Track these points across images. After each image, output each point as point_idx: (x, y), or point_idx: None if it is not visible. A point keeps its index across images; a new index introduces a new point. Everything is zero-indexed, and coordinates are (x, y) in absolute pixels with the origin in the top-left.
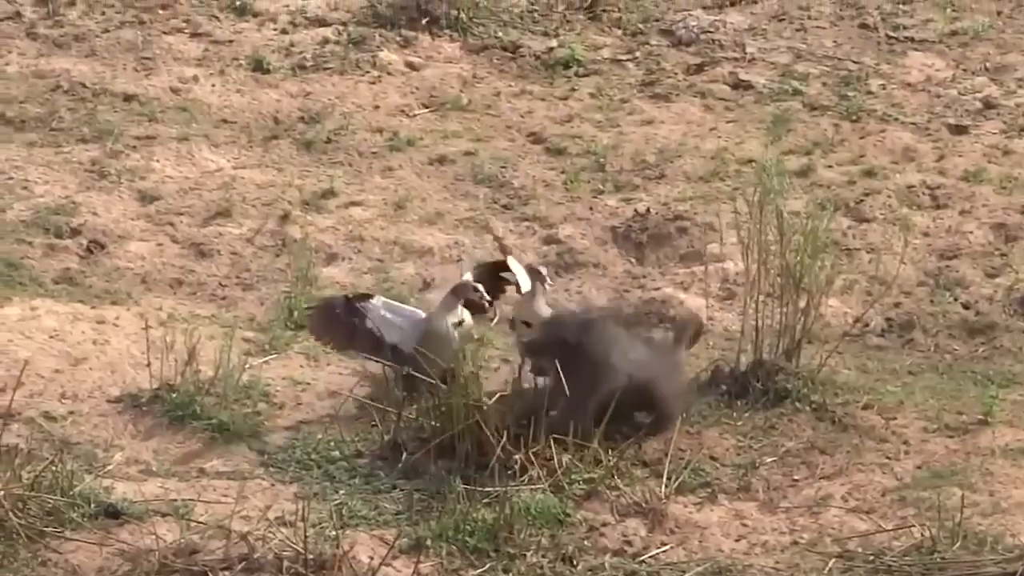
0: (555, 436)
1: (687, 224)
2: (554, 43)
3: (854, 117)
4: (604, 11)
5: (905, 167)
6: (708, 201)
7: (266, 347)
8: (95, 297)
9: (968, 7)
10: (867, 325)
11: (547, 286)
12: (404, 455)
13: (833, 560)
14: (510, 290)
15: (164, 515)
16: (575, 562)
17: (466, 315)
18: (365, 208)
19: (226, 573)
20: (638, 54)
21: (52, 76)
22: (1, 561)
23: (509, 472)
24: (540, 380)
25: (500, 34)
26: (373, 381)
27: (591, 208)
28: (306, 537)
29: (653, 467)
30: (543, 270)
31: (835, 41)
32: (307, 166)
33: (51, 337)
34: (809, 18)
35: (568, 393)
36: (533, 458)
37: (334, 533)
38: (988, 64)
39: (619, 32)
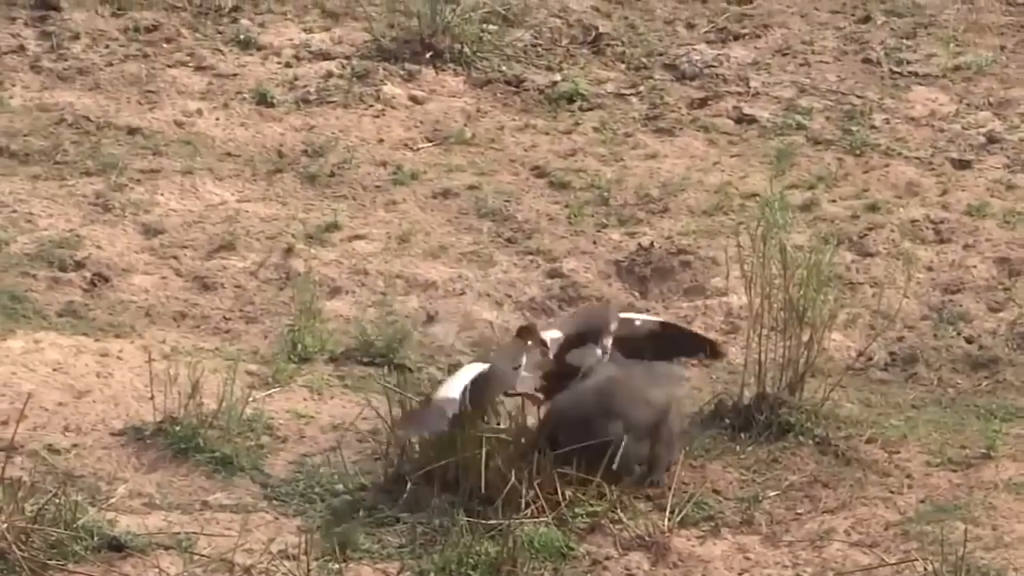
0: (558, 471)
1: (690, 258)
2: (558, 77)
3: (858, 151)
4: (608, 45)
5: (908, 201)
6: (712, 235)
7: (269, 380)
8: (99, 330)
9: (971, 42)
10: (870, 359)
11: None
12: (408, 488)
13: None
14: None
15: (167, 548)
16: None
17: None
18: (369, 241)
19: None
20: (642, 88)
21: (56, 109)
22: None
23: (512, 505)
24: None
25: (504, 68)
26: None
27: (594, 242)
28: (309, 570)
29: (656, 500)
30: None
31: (839, 76)
32: (311, 199)
33: (55, 370)
34: (813, 52)
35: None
36: (538, 491)
37: (337, 567)
38: (991, 99)
39: (623, 66)
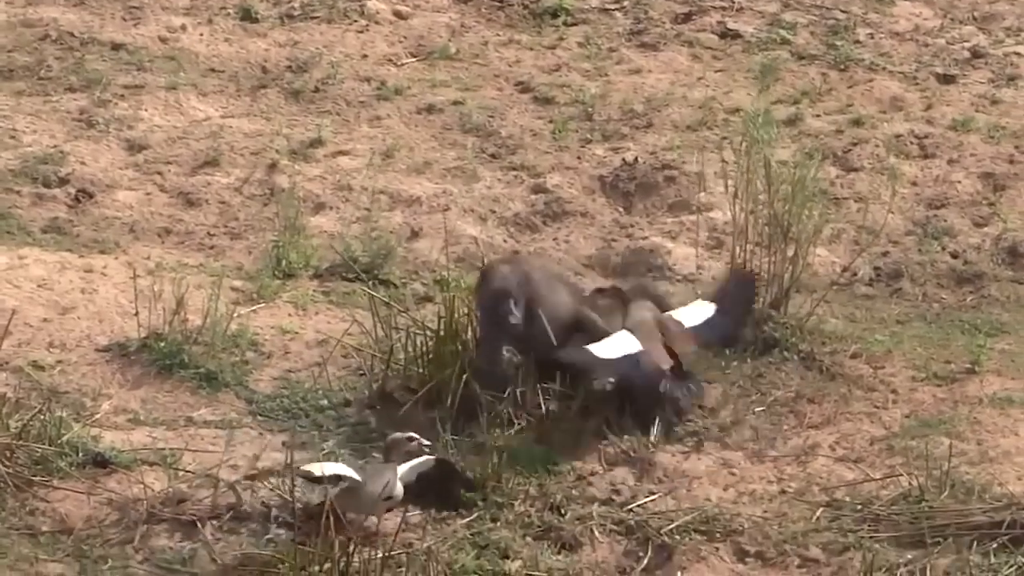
0: (543, 384)
1: (675, 173)
2: None
3: (842, 66)
4: None
5: (893, 116)
6: (696, 150)
7: (254, 296)
8: (83, 246)
9: None
10: (855, 274)
11: None
12: (393, 404)
13: (821, 509)
14: None
15: (152, 464)
16: (563, 511)
17: None
18: (353, 157)
19: (214, 522)
20: (626, 3)
21: (40, 25)
22: None
23: (497, 421)
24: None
25: None
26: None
27: (579, 157)
28: (293, 486)
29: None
30: None
31: None
32: (295, 115)
33: (39, 286)
34: None
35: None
36: (521, 406)
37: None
38: (976, 13)
39: None
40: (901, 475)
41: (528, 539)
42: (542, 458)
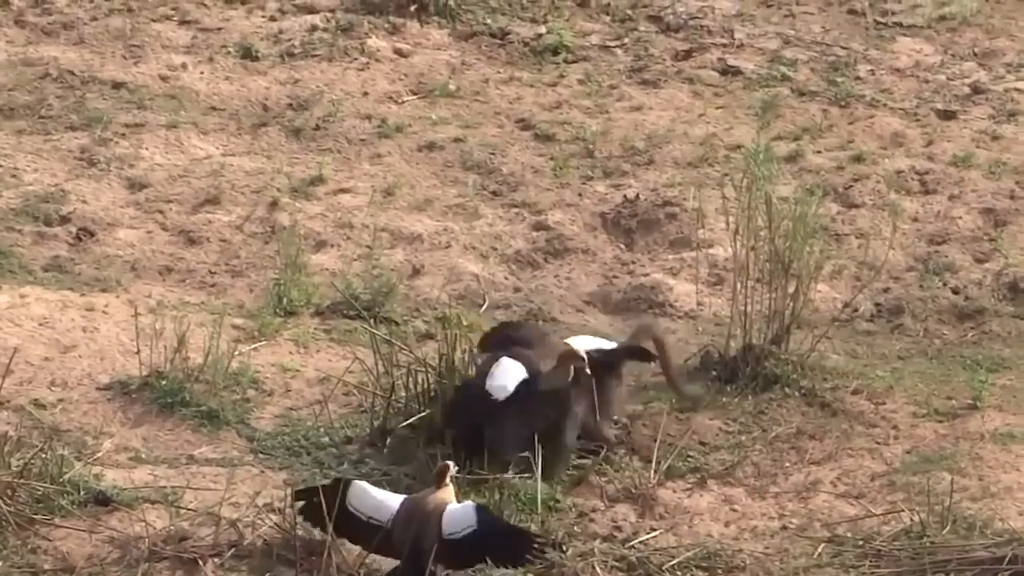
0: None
1: (676, 210)
2: (543, 29)
3: (843, 103)
4: None
5: (894, 152)
6: (697, 187)
7: (255, 334)
8: (84, 284)
9: None
10: (856, 310)
11: None
12: (392, 441)
13: (823, 545)
14: None
15: (153, 502)
16: (565, 547)
17: None
18: (354, 195)
19: (215, 560)
20: (626, 40)
21: (40, 64)
22: None
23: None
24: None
25: (488, 20)
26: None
27: (580, 194)
28: (295, 523)
29: (642, 453)
30: None
31: (823, 27)
32: (296, 153)
33: (40, 324)
34: (797, 4)
35: None
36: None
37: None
38: (976, 49)
39: (607, 18)
40: (903, 511)
41: (530, 575)
42: (544, 495)
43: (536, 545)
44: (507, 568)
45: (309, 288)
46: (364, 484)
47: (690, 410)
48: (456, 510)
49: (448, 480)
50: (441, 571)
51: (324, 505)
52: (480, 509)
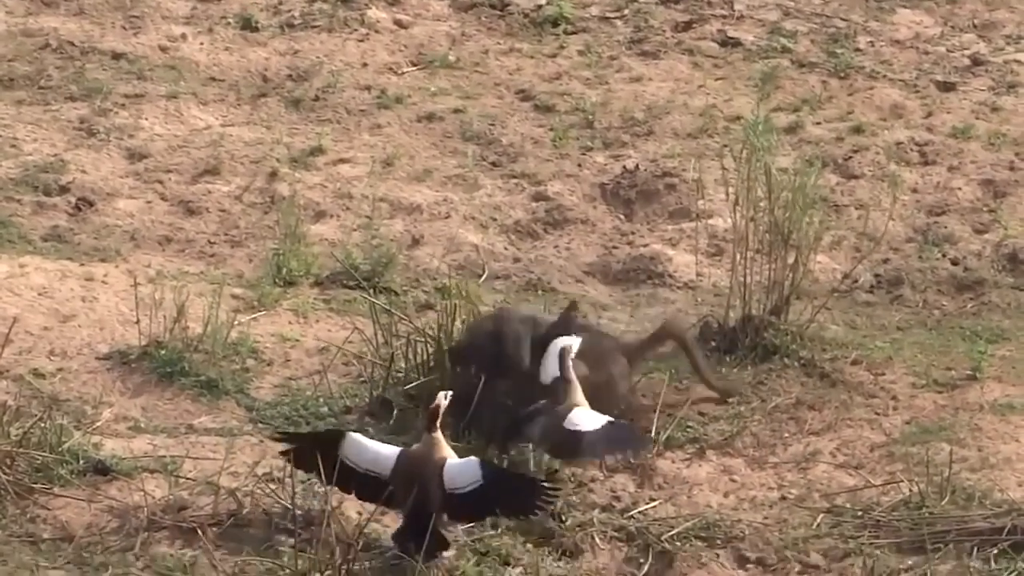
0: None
1: (675, 181)
2: (542, 1)
3: (842, 74)
4: None
5: (893, 124)
6: (697, 158)
7: (255, 304)
8: (84, 254)
9: None
10: (855, 281)
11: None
12: (393, 411)
13: (821, 515)
14: None
15: (152, 471)
16: (564, 518)
17: None
18: (353, 165)
19: (214, 529)
20: (626, 11)
21: (40, 34)
22: None
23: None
24: None
25: None
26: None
27: (579, 165)
28: (294, 493)
29: (641, 423)
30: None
31: None
32: (295, 124)
33: (40, 294)
34: None
35: None
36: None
37: (322, 489)
38: (976, 21)
39: None
40: (902, 481)
41: (529, 546)
42: (543, 464)
43: (547, 493)
44: (516, 519)
45: (308, 258)
46: (358, 436)
47: (727, 403)
48: (458, 465)
49: (439, 423)
50: (447, 523)
51: (319, 457)
52: (484, 463)
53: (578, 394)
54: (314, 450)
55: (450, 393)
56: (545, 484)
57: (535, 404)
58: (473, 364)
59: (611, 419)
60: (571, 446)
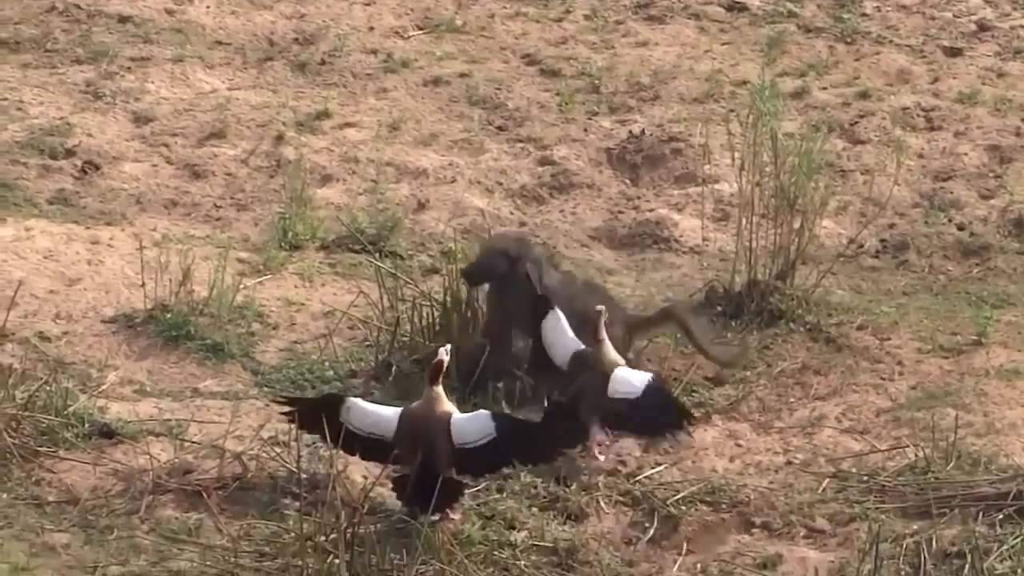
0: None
1: (681, 145)
2: None
3: (849, 39)
4: None
5: (900, 89)
6: (703, 123)
7: (260, 267)
8: (89, 218)
9: None
10: (861, 246)
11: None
12: (395, 371)
13: (827, 480)
14: None
15: (158, 435)
16: (569, 482)
17: None
18: (359, 129)
19: (219, 493)
20: None
21: None
22: None
23: (503, 392)
24: None
25: None
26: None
27: (585, 129)
28: (299, 457)
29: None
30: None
31: None
32: (301, 87)
33: (45, 257)
34: None
35: None
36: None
37: (327, 453)
38: None
39: None
40: (907, 446)
41: (534, 510)
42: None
43: (563, 440)
44: (532, 467)
45: (314, 222)
46: (358, 400)
47: (734, 373)
48: (467, 419)
49: (441, 380)
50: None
51: (322, 421)
52: (496, 416)
53: (612, 352)
54: (316, 414)
55: (450, 347)
56: (563, 430)
57: (578, 383)
58: (487, 282)
59: (651, 378)
60: (618, 414)
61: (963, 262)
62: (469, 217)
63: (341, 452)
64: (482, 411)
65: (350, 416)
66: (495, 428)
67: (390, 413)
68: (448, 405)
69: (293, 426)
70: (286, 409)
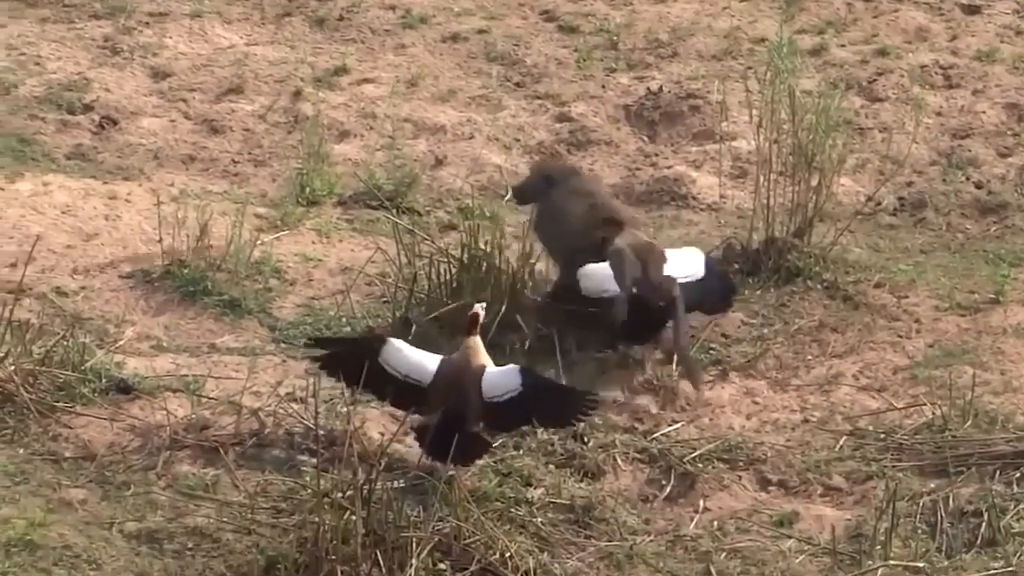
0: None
1: (699, 102)
2: None
3: None
4: None
5: (918, 47)
6: (720, 80)
7: (278, 223)
8: (107, 173)
9: None
10: (879, 203)
11: None
12: (415, 330)
13: (844, 438)
14: None
15: (175, 391)
16: (586, 439)
17: None
18: (377, 85)
19: (237, 449)
20: None
21: None
22: (12, 436)
23: (521, 348)
24: None
25: None
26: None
27: (603, 86)
28: (317, 413)
29: (664, 346)
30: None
31: None
32: (320, 43)
33: (63, 213)
34: None
35: None
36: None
37: (345, 409)
38: None
39: None
40: (924, 404)
41: (551, 467)
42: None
43: (587, 404)
44: (554, 430)
45: (332, 178)
46: (400, 342)
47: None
48: (497, 373)
49: (478, 329)
50: (483, 431)
51: (354, 363)
52: (525, 371)
53: None
54: (351, 355)
55: (484, 304)
56: (587, 395)
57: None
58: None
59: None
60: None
61: (981, 220)
62: (486, 174)
63: (370, 396)
64: (512, 366)
65: (390, 357)
66: (521, 383)
67: (430, 359)
68: (485, 358)
69: (322, 370)
70: (318, 353)
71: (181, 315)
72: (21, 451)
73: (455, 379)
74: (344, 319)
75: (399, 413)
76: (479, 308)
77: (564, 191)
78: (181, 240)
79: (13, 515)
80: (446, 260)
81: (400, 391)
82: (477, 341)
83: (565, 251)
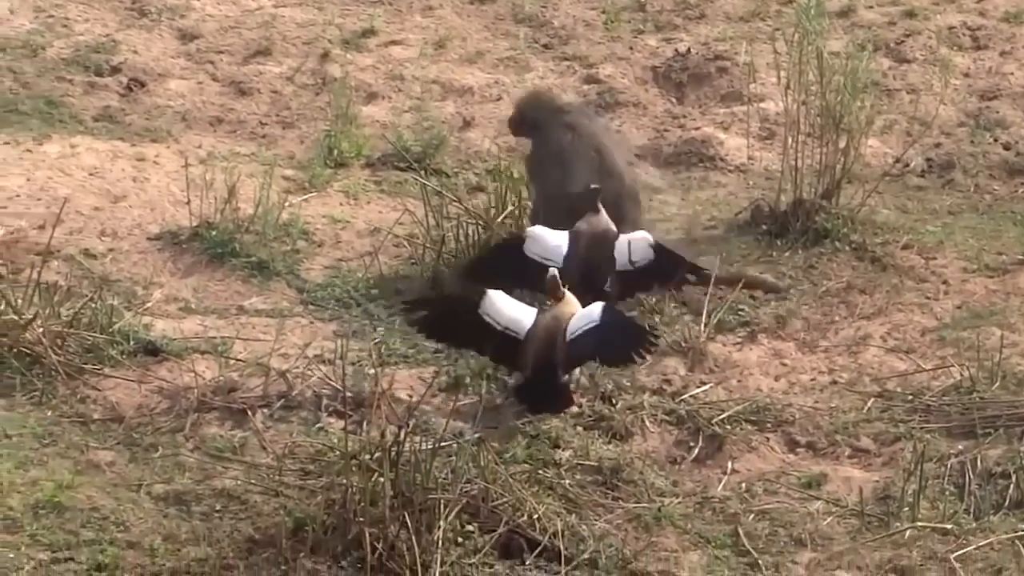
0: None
1: (727, 64)
2: None
3: None
4: None
5: (946, 8)
6: (748, 41)
7: (306, 185)
8: (135, 135)
9: None
10: (907, 165)
11: None
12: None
13: (872, 400)
14: None
15: (203, 353)
16: (614, 401)
17: None
18: (405, 47)
19: (265, 410)
20: None
21: None
22: (40, 398)
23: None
24: None
25: None
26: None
27: (631, 48)
28: (344, 375)
29: (692, 306)
30: None
31: None
32: (347, 5)
33: (91, 175)
34: None
35: None
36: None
37: (373, 371)
38: None
39: None
40: (952, 366)
41: (579, 429)
42: None
43: (650, 342)
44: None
45: (360, 140)
46: (498, 293)
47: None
48: (583, 311)
49: (561, 290)
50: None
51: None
52: (608, 308)
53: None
54: (451, 311)
55: (555, 270)
56: (652, 332)
57: None
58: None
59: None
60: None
61: (1009, 181)
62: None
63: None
64: (599, 303)
65: (490, 308)
66: (599, 316)
67: (527, 312)
68: (576, 307)
69: (420, 333)
70: (416, 316)
71: (209, 277)
72: (49, 413)
73: (549, 330)
74: (372, 281)
75: (427, 375)
76: (553, 271)
77: (564, 129)
78: (209, 202)
79: (41, 477)
80: (474, 222)
81: (500, 345)
82: (570, 297)
83: (565, 200)
